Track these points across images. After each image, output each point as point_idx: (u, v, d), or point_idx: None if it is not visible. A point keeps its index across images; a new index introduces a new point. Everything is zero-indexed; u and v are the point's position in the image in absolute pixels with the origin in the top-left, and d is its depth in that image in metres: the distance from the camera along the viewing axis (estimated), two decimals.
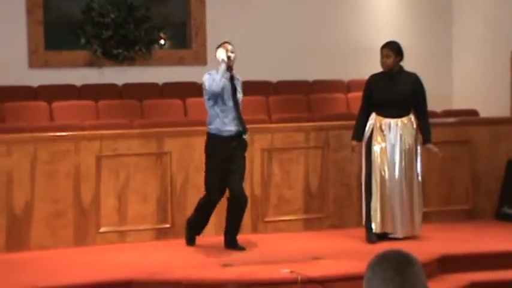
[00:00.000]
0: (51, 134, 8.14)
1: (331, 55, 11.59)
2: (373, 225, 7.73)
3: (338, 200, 8.53)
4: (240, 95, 7.49)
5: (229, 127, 7.39)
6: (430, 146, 7.81)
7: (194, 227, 7.74)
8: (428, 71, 11.66)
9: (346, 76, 11.40)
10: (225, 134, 7.40)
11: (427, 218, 8.06)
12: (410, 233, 7.80)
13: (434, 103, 11.02)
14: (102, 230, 7.97)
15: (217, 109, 7.39)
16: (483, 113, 10.23)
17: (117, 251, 7.65)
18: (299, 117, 9.77)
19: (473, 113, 10.27)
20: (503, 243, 7.67)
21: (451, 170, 8.83)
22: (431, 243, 7.62)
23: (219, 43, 7.53)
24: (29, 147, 7.80)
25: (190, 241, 7.74)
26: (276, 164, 8.41)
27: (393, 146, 7.70)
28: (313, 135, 8.53)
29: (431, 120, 8.04)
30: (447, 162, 8.78)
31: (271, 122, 9.66)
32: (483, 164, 8.93)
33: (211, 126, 7.45)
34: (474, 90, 11.43)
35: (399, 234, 7.75)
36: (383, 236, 7.72)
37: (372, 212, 7.72)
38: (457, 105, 11.50)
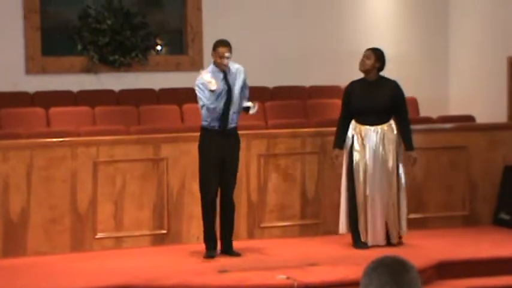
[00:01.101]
0: (48, 140, 8.13)
1: (328, 61, 11.58)
2: (360, 234, 7.71)
3: (334, 206, 8.48)
4: (237, 90, 7.40)
5: (221, 123, 7.35)
6: (411, 153, 7.76)
7: (208, 237, 7.51)
8: (425, 77, 11.70)
9: (342, 82, 11.35)
10: (218, 128, 7.36)
11: (424, 224, 8.03)
12: (394, 240, 7.74)
13: (430, 109, 11.04)
14: (98, 235, 7.95)
15: (210, 107, 7.35)
16: (480, 119, 10.23)
17: (113, 257, 7.64)
18: (295, 122, 9.76)
19: (470, 118, 10.25)
20: (500, 249, 7.66)
21: (448, 176, 8.82)
22: (429, 249, 7.60)
23: (215, 41, 7.51)
24: (26, 153, 7.79)
25: (210, 252, 7.46)
26: (272, 169, 8.39)
27: (373, 154, 7.64)
28: (310, 141, 8.52)
29: (428, 126, 8.01)
30: (444, 168, 8.77)
31: (267, 128, 9.66)
32: (480, 170, 8.91)
33: (203, 120, 7.42)
34: (471, 96, 11.42)
35: (381, 243, 7.69)
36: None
37: (359, 224, 7.69)
38: (454, 110, 11.49)
